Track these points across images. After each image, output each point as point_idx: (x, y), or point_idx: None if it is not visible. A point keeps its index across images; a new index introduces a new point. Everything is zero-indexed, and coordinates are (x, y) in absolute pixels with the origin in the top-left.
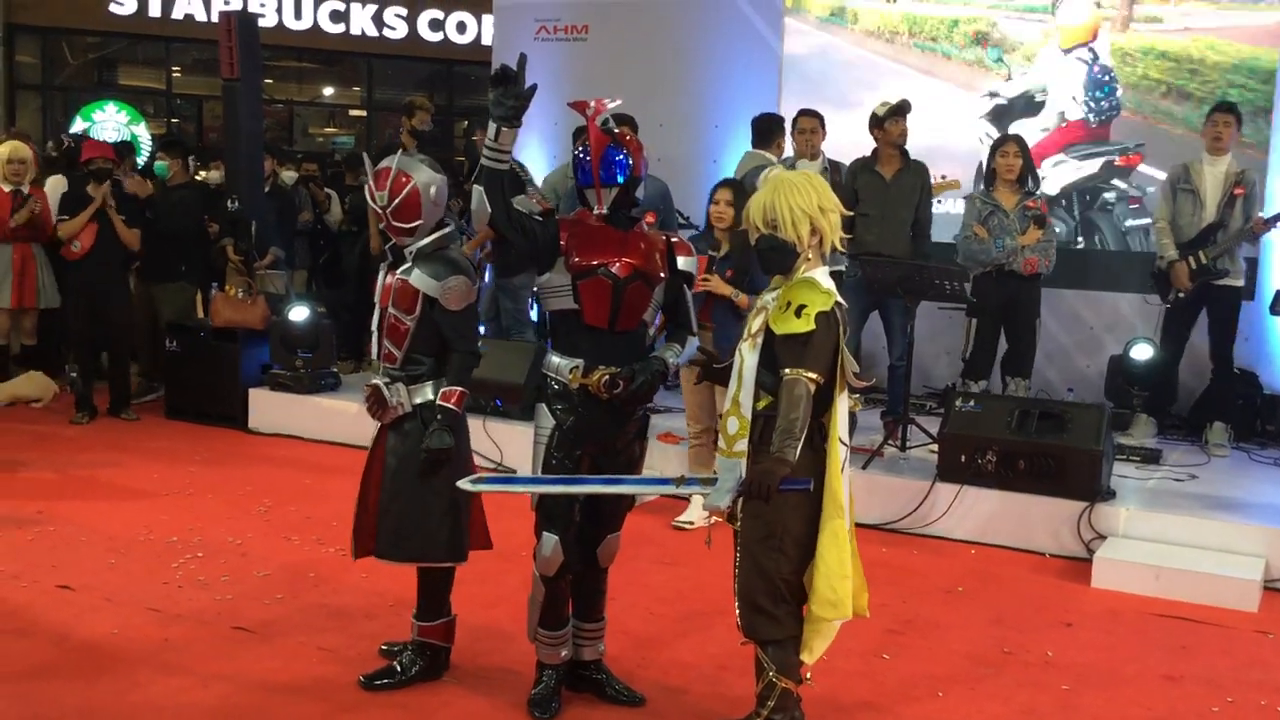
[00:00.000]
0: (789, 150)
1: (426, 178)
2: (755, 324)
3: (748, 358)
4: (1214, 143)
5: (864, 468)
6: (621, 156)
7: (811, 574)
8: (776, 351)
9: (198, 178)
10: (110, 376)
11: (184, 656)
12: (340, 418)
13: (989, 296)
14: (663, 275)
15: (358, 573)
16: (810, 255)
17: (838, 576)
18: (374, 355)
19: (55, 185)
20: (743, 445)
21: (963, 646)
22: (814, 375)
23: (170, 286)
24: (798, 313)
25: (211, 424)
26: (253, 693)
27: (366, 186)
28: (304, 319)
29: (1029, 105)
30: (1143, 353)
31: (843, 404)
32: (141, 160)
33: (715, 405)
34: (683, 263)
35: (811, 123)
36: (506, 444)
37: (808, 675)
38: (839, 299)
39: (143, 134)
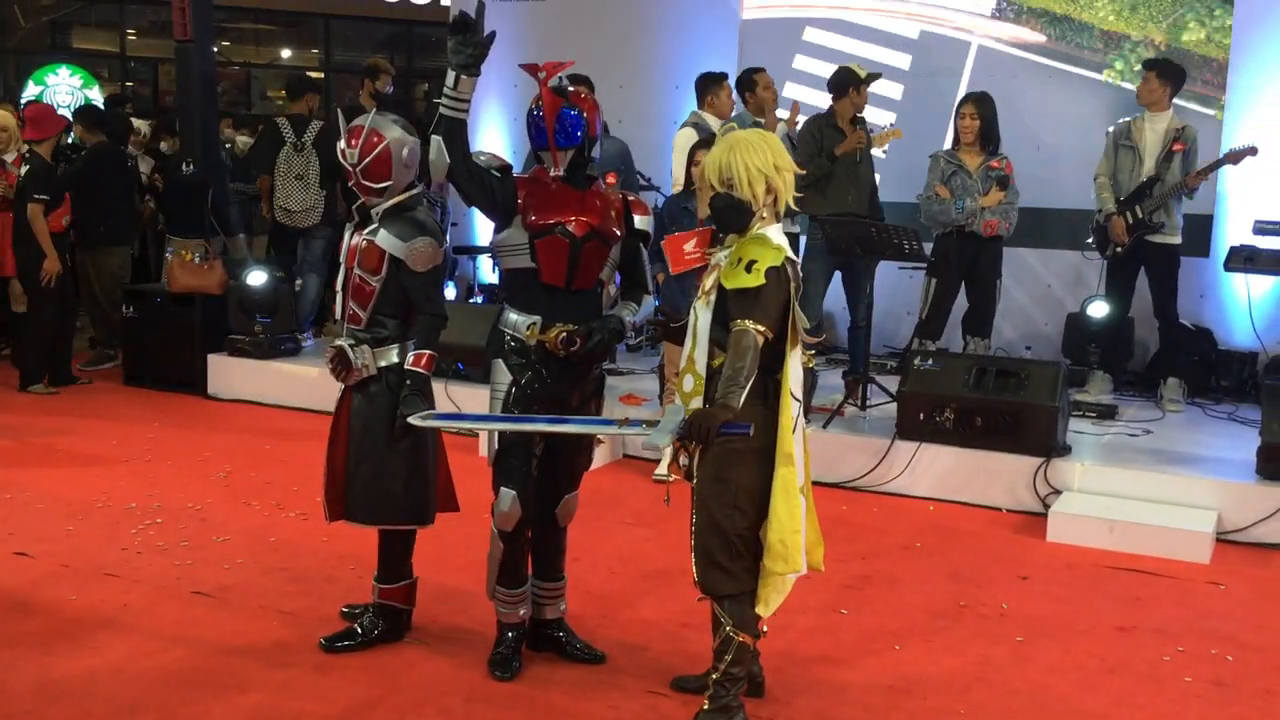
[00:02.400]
0: (739, 108)
1: (399, 137)
2: (709, 282)
3: (702, 315)
4: (1140, 99)
5: (825, 427)
6: (575, 115)
7: (766, 529)
8: (729, 306)
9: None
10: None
11: (143, 621)
12: (300, 382)
13: (949, 256)
14: (619, 233)
15: (318, 536)
16: (765, 214)
17: (789, 531)
18: (338, 316)
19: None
20: (698, 403)
21: (920, 601)
22: (763, 328)
23: (99, 250)
24: (748, 268)
25: (170, 390)
26: (213, 656)
27: (338, 145)
28: (262, 284)
29: None
30: (1099, 310)
31: (795, 360)
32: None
33: None
34: (639, 221)
35: (768, 79)
36: (468, 407)
37: (763, 629)
38: (790, 255)
39: (96, 98)
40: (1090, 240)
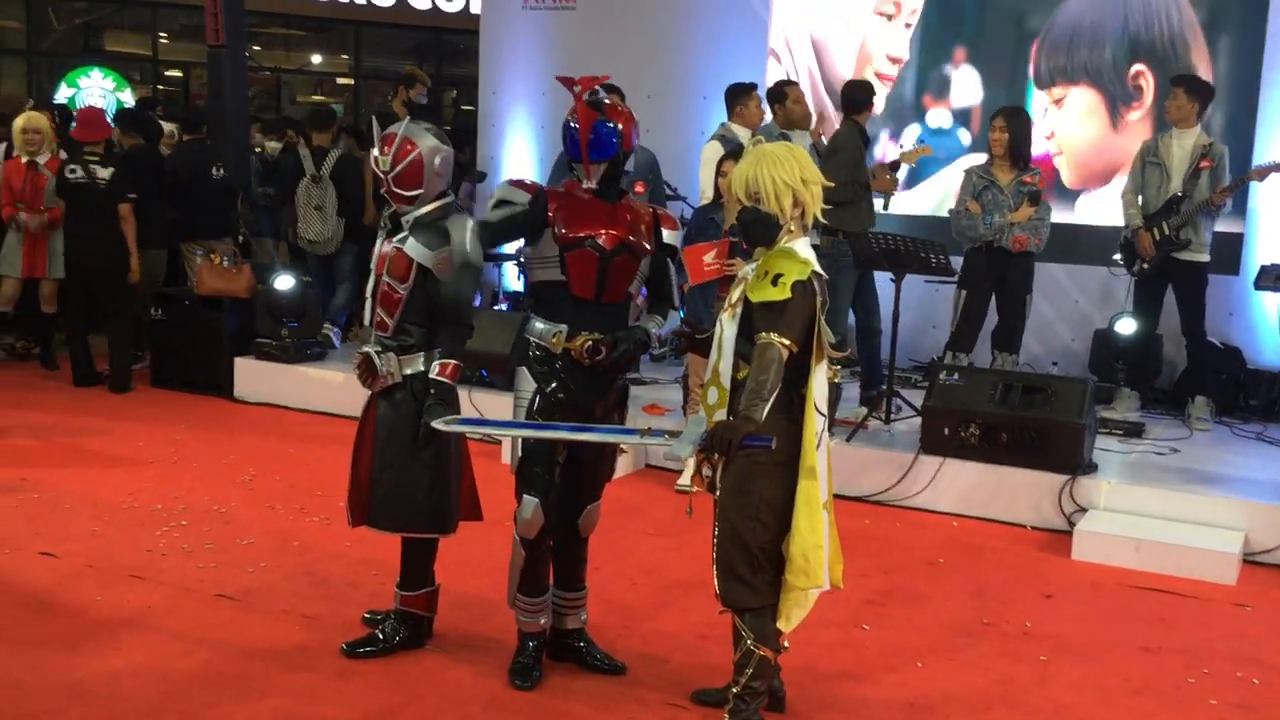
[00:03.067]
0: (768, 118)
1: (432, 146)
2: (735, 295)
3: (727, 328)
4: (1169, 115)
5: (848, 440)
6: (610, 128)
7: (788, 543)
8: (754, 319)
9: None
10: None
11: (167, 623)
12: (325, 387)
13: (980, 271)
14: (648, 248)
15: (341, 541)
16: (792, 227)
17: (812, 545)
18: (366, 322)
19: None
20: (722, 415)
21: (943, 617)
22: (787, 341)
23: (148, 255)
24: (774, 281)
25: (197, 393)
26: (235, 660)
27: (372, 152)
28: (289, 288)
29: None
30: (1127, 327)
31: (820, 375)
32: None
33: None
34: (668, 236)
35: (799, 92)
36: (492, 414)
37: (785, 644)
38: (817, 269)
39: (129, 100)
40: (1117, 256)
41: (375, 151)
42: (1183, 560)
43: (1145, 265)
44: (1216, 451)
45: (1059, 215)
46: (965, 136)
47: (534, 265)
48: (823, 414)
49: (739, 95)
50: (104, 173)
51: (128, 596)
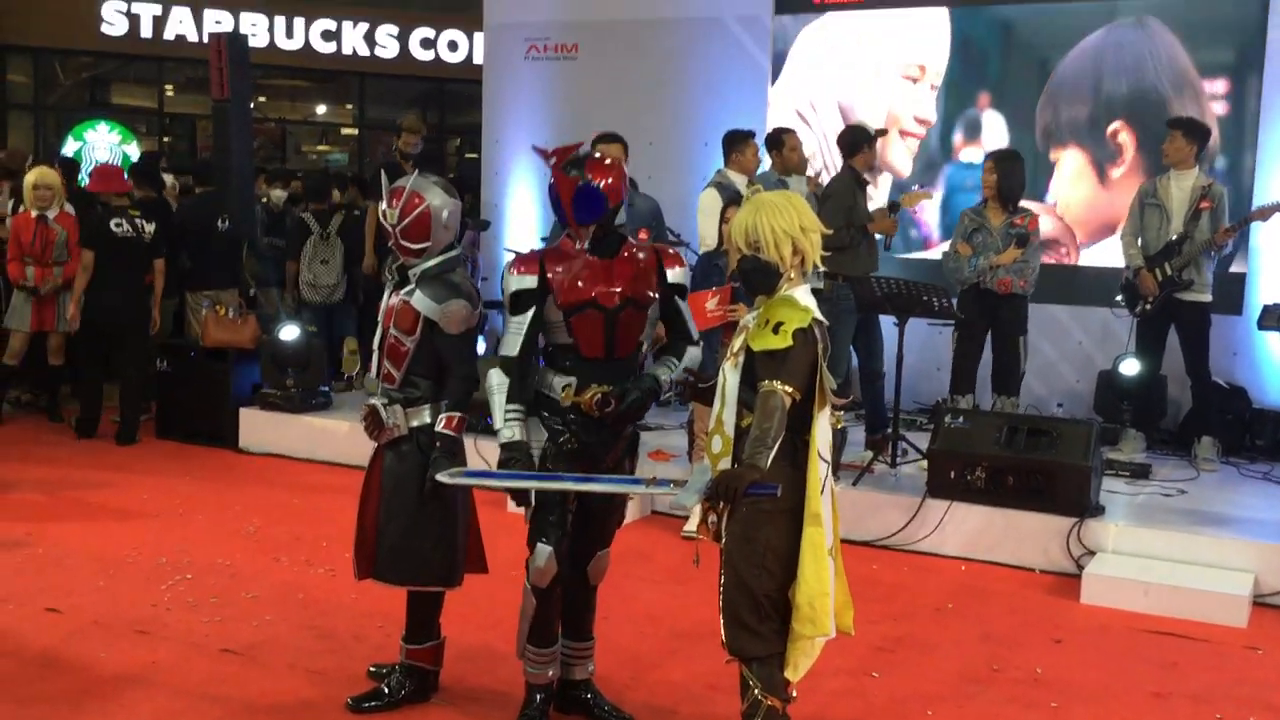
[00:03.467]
0: (765, 165)
1: (440, 201)
2: (737, 344)
3: (730, 377)
4: (1166, 159)
5: (854, 484)
6: (592, 191)
7: (794, 590)
8: (756, 368)
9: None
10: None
11: (173, 679)
12: (331, 437)
13: (972, 313)
14: (653, 295)
15: (346, 594)
16: (792, 275)
17: (817, 593)
18: (373, 374)
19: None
20: (726, 463)
21: (952, 664)
22: (790, 389)
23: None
24: (775, 329)
25: (202, 444)
26: (241, 715)
27: (380, 204)
28: (294, 338)
29: None
30: (1131, 368)
31: (823, 421)
32: None
33: None
34: (673, 275)
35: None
36: (496, 462)
37: (793, 693)
38: (818, 316)
39: (134, 153)
40: (1119, 298)
41: (383, 204)
42: (1192, 603)
43: (1148, 306)
44: (1224, 492)
45: (1061, 257)
46: None
47: (543, 329)
48: (826, 460)
49: (735, 142)
50: (149, 227)
51: (133, 652)
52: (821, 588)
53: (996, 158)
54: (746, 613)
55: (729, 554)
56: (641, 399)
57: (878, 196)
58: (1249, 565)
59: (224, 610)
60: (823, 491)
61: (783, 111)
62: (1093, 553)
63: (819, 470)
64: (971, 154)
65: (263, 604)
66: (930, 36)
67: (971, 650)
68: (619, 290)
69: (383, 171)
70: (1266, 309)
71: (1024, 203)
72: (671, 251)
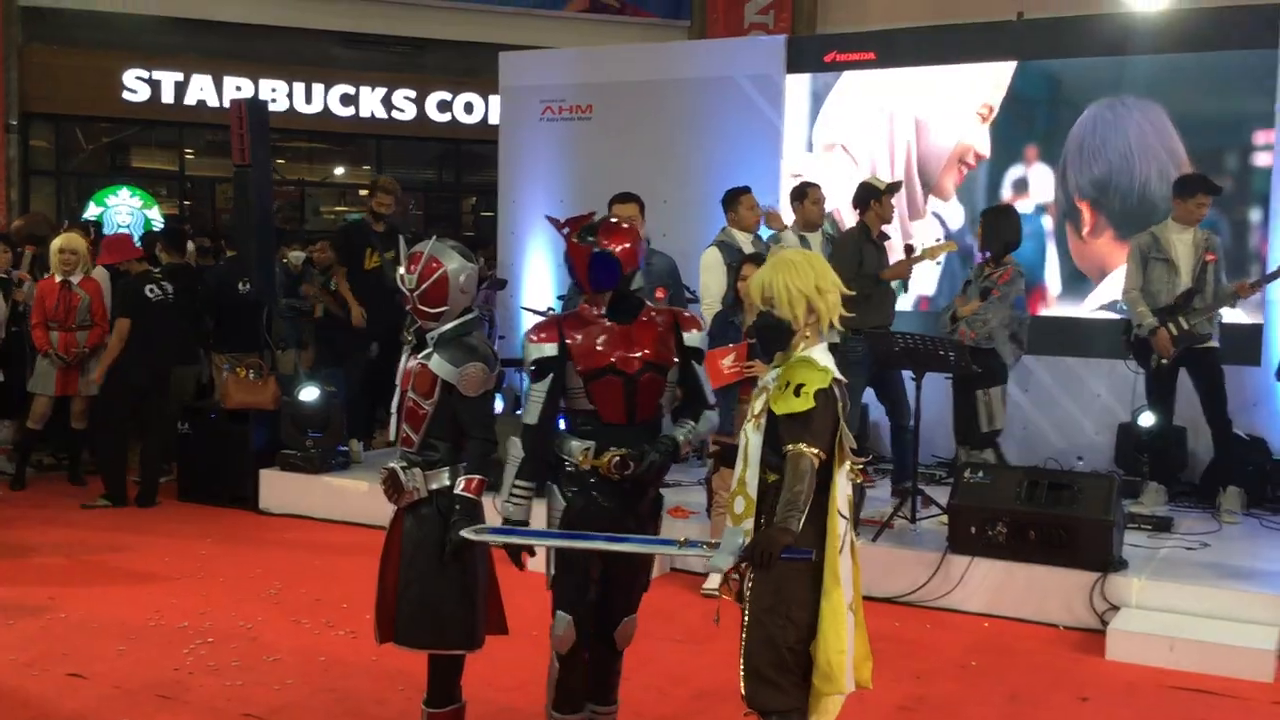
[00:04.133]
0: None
1: (458, 265)
2: (757, 405)
3: (752, 438)
4: (1187, 219)
5: (874, 540)
6: (605, 258)
7: (814, 646)
8: (780, 430)
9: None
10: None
11: None
12: (351, 497)
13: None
14: (673, 359)
15: (367, 656)
16: (808, 334)
17: (835, 650)
18: (391, 437)
19: (100, 275)
20: (749, 524)
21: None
22: (815, 450)
23: (179, 372)
24: (796, 392)
25: (222, 505)
26: None
27: (398, 270)
28: (314, 399)
29: None
30: (1150, 420)
31: (842, 478)
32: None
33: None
34: (690, 338)
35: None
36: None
37: None
38: (837, 375)
39: (155, 217)
40: (1130, 357)
41: (401, 269)
42: (1219, 658)
43: (1164, 362)
44: (1247, 544)
45: (1070, 310)
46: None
47: (563, 394)
48: (845, 517)
49: (730, 200)
50: (172, 289)
51: (156, 718)
52: (839, 645)
53: (985, 213)
54: (767, 666)
55: (753, 607)
56: (659, 461)
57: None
58: (1274, 619)
59: (246, 674)
60: (842, 549)
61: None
62: (1116, 608)
63: (838, 527)
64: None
65: (284, 667)
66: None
67: (997, 709)
68: (638, 355)
69: (401, 240)
70: None
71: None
72: (689, 314)
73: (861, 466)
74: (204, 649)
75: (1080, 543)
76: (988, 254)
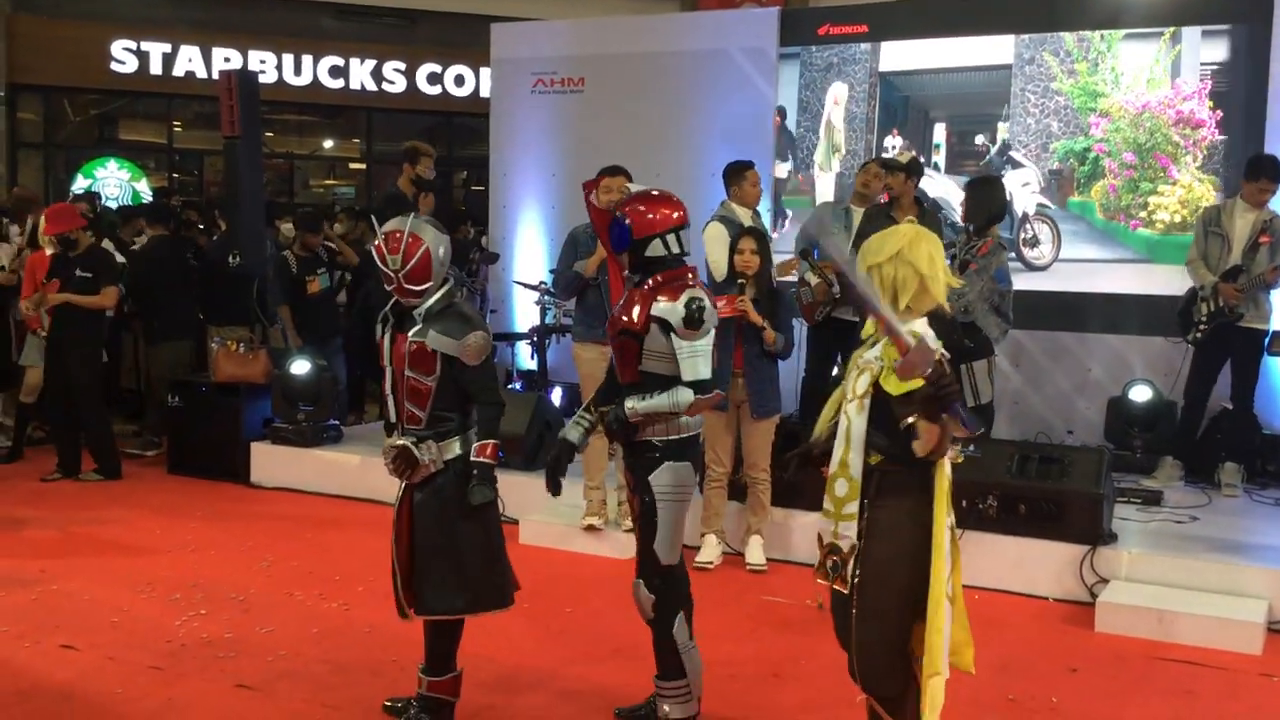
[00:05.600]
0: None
1: (434, 239)
2: (860, 385)
3: (855, 420)
4: (1256, 199)
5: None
6: (617, 223)
7: (921, 628)
8: (894, 408)
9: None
10: (57, 436)
11: (188, 716)
12: (342, 470)
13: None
14: (636, 323)
15: (361, 627)
16: (911, 307)
17: (933, 630)
18: (391, 419)
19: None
20: (852, 507)
21: (967, 694)
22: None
23: (154, 344)
24: None
25: (214, 479)
26: None
27: (375, 248)
28: (305, 372)
29: None
30: (1141, 394)
31: (945, 461)
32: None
33: (743, 450)
34: (657, 308)
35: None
36: (508, 494)
37: None
38: (943, 351)
39: (144, 189)
40: (1183, 329)
41: (381, 246)
42: (1207, 631)
43: (1199, 333)
44: (1236, 519)
45: (1070, 284)
46: None
47: None
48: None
49: (733, 175)
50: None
51: (149, 689)
52: (937, 624)
53: (968, 183)
54: (879, 647)
55: (863, 588)
56: (614, 424)
57: None
58: (1263, 592)
59: (238, 646)
60: (945, 528)
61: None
62: (1106, 580)
63: (945, 507)
64: None
65: (277, 639)
66: None
67: (987, 680)
68: (623, 319)
69: (373, 219)
70: (1276, 334)
71: None
72: (668, 285)
73: (958, 447)
74: (196, 621)
75: (1070, 516)
76: (970, 226)
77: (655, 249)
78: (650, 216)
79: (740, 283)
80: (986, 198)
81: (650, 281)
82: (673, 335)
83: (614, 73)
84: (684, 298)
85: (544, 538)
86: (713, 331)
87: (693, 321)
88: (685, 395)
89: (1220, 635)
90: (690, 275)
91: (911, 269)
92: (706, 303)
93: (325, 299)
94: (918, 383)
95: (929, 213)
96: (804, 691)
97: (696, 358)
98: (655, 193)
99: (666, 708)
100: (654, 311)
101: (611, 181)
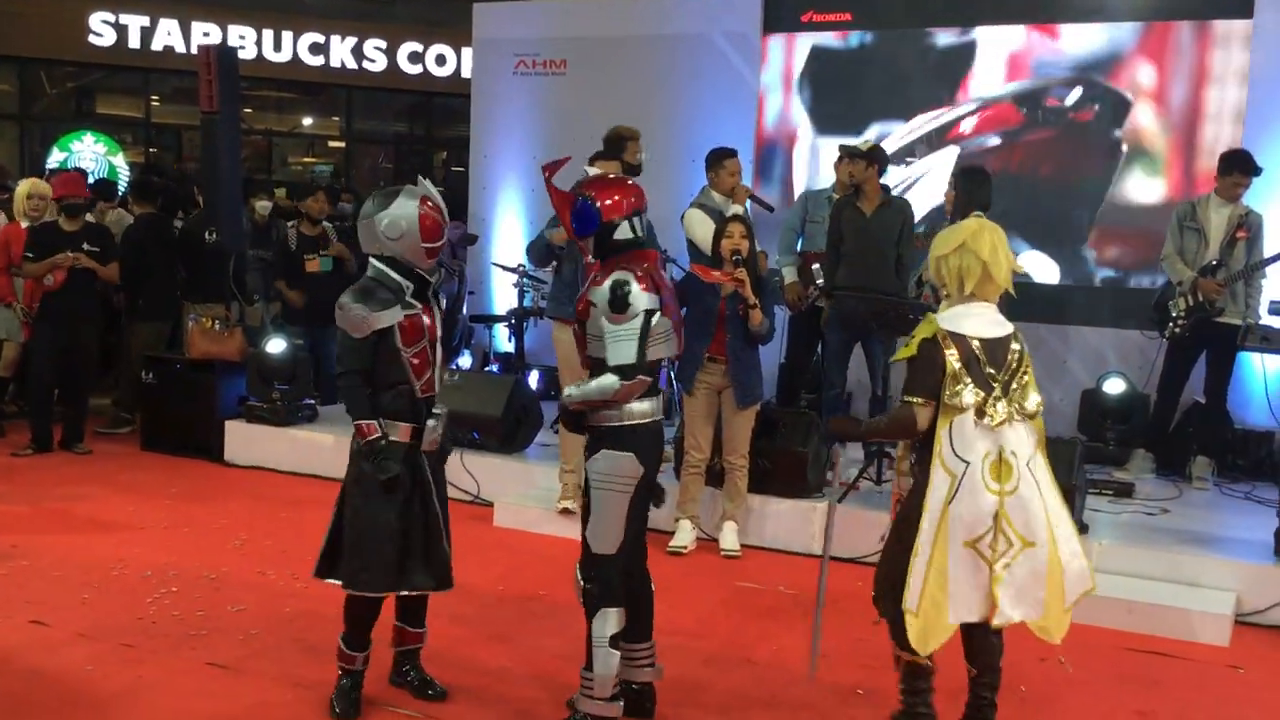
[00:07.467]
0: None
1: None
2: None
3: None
4: (1228, 194)
5: (839, 501)
6: (583, 205)
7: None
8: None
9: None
10: (66, 412)
11: (158, 693)
12: (317, 449)
13: None
14: (583, 311)
15: (333, 607)
16: (949, 294)
17: (912, 573)
18: (437, 389)
19: (116, 219)
20: (906, 465)
21: (936, 682)
22: (921, 399)
23: (134, 322)
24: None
25: (187, 456)
26: None
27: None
28: (281, 351)
29: None
30: (1115, 387)
31: (955, 426)
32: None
33: (723, 436)
34: (592, 293)
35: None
36: (484, 475)
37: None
38: (953, 330)
39: (120, 164)
40: (1159, 323)
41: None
42: (1175, 622)
43: (1177, 328)
44: (1206, 511)
45: (1045, 276)
46: None
47: None
48: (963, 460)
49: (713, 162)
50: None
51: (119, 666)
52: (914, 568)
53: (956, 173)
54: (883, 579)
55: (891, 532)
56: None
57: None
58: (1231, 584)
59: (210, 623)
60: (953, 499)
61: None
62: None
63: (935, 477)
64: None
65: (249, 617)
66: None
67: (955, 668)
68: (580, 301)
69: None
70: (1248, 327)
71: None
72: (618, 269)
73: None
74: (168, 599)
75: None
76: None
77: (624, 231)
78: (617, 199)
79: (735, 258)
80: (975, 188)
81: (613, 263)
82: (601, 319)
83: (596, 55)
84: (609, 280)
85: (519, 521)
86: (659, 316)
87: (618, 304)
88: (608, 380)
89: (1189, 627)
90: (656, 259)
91: (974, 257)
92: (634, 287)
93: (326, 282)
94: (907, 350)
95: (898, 200)
96: (776, 677)
97: (621, 342)
98: (612, 176)
99: (575, 696)
100: (590, 296)
101: (607, 166)
